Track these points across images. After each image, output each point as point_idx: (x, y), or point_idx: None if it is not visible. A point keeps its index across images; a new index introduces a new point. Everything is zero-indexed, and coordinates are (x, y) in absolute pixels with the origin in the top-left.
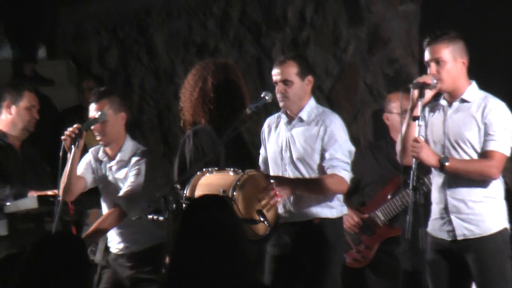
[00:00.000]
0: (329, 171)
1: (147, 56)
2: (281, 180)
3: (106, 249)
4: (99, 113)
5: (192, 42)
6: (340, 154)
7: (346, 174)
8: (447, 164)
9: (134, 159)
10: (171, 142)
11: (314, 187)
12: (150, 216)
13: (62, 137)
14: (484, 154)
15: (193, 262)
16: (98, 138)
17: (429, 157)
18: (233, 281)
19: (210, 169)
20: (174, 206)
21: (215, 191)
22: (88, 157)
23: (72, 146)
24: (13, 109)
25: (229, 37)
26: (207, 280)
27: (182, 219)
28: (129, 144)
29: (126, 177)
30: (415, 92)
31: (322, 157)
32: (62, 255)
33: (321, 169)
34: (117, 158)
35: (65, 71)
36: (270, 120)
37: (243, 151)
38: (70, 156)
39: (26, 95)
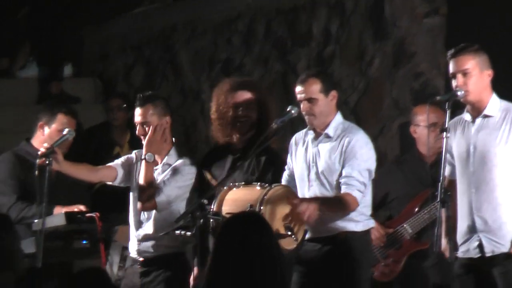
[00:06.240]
0: (343, 188)
1: (173, 73)
2: (306, 200)
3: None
4: (67, 129)
5: (217, 58)
6: (357, 172)
7: (359, 195)
8: None
9: (185, 168)
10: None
11: (334, 206)
12: (177, 232)
13: (38, 161)
14: None
15: (231, 280)
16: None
17: None
18: None
19: (236, 184)
20: (201, 221)
21: (242, 206)
22: (131, 156)
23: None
24: (46, 130)
25: (254, 53)
26: None
27: (220, 237)
28: (175, 149)
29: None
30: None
31: (340, 173)
32: None
33: (338, 185)
34: (164, 161)
35: (91, 89)
36: (297, 136)
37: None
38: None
39: (59, 117)
